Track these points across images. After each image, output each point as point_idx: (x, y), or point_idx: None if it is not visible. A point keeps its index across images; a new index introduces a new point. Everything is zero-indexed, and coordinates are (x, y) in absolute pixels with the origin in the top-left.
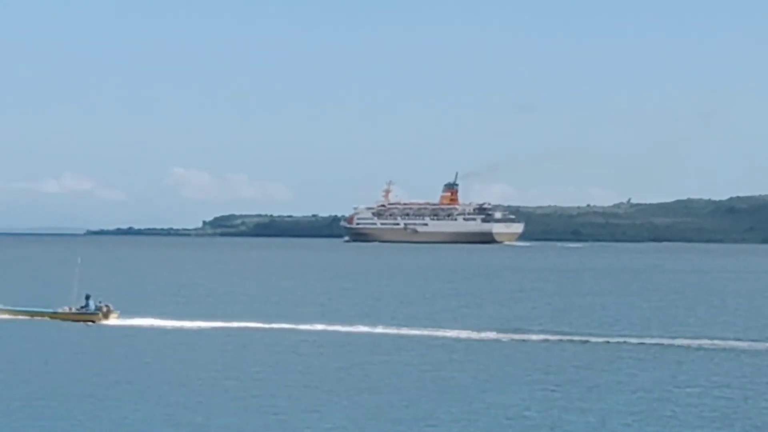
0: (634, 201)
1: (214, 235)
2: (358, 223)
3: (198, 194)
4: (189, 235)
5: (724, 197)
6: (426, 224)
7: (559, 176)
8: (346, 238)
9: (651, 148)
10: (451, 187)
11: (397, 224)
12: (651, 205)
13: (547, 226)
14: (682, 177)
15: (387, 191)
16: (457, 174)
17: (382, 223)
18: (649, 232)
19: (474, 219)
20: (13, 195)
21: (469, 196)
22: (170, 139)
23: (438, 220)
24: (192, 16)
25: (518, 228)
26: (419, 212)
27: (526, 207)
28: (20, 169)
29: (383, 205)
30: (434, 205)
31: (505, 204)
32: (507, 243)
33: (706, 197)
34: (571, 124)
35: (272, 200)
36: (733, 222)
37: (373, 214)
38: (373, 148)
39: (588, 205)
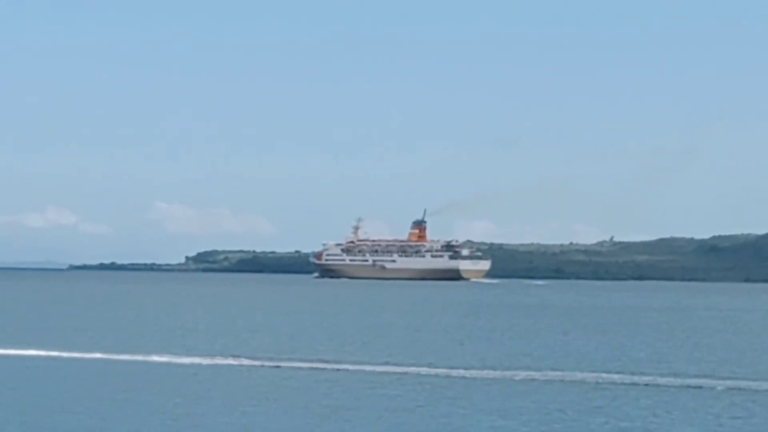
0: (616, 239)
1: (197, 270)
2: (327, 260)
3: (181, 228)
4: (172, 270)
5: (707, 236)
6: (394, 261)
7: (542, 212)
8: (316, 274)
9: (634, 184)
10: (420, 224)
11: (366, 261)
12: (634, 243)
13: (530, 264)
14: (665, 214)
15: (356, 228)
16: (425, 211)
17: (350, 260)
18: (632, 270)
19: (441, 256)
20: None
21: (451, 231)
22: (153, 173)
23: (406, 256)
24: (177, 53)
25: (485, 265)
26: (387, 249)
27: (509, 244)
28: (3, 203)
29: (352, 242)
30: (402, 241)
31: (488, 241)
32: (474, 280)
33: (688, 235)
34: (554, 159)
35: (255, 235)
36: (716, 260)
37: (342, 250)
38: (354, 183)
39: (571, 243)
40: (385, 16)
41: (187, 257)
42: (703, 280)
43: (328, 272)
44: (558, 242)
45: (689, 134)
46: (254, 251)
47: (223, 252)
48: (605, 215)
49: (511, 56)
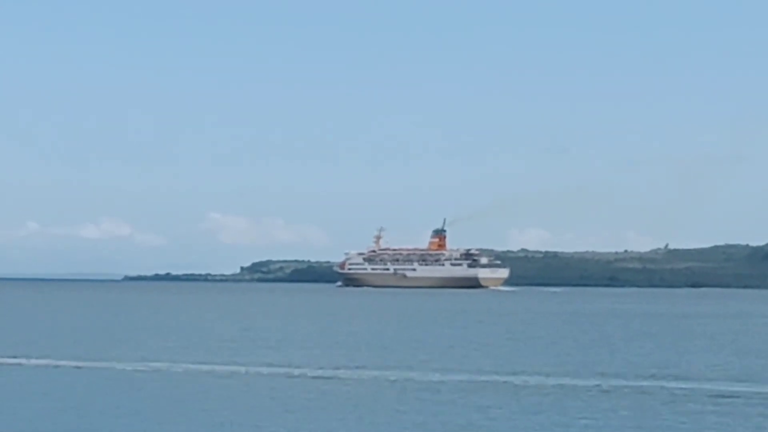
0: (671, 246)
1: (251, 280)
2: (350, 269)
3: (235, 239)
4: (226, 280)
5: (762, 242)
6: (414, 269)
7: (594, 220)
8: (339, 283)
9: (686, 191)
10: (439, 233)
11: (387, 269)
12: (688, 250)
13: (584, 272)
14: (719, 221)
15: (378, 237)
16: (445, 220)
17: (372, 269)
18: (687, 277)
19: (460, 264)
20: (52, 240)
21: (505, 240)
22: (207, 184)
23: (426, 265)
24: (231, 65)
25: (504, 273)
26: (408, 258)
27: (564, 252)
28: (59, 215)
29: (374, 251)
30: (422, 250)
31: (542, 249)
32: (492, 288)
33: (743, 242)
34: (602, 167)
35: (309, 245)
36: None
37: (364, 259)
38: (402, 193)
39: (625, 251)
40: (425, 22)
41: (241, 267)
42: (758, 287)
43: (351, 281)
44: (612, 250)
45: (738, 139)
46: (309, 261)
47: (278, 262)
48: (658, 223)
49: (556, 63)
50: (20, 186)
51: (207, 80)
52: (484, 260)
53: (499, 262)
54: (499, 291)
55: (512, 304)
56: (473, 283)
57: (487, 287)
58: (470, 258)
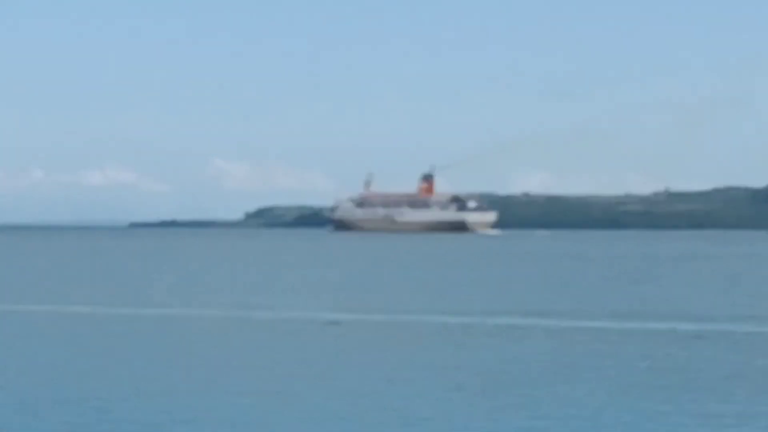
0: (672, 189)
1: (256, 226)
2: (341, 214)
3: (239, 185)
4: (232, 226)
5: (762, 184)
6: (404, 214)
7: (596, 162)
8: (330, 227)
9: (686, 134)
10: (428, 178)
11: (377, 214)
12: (689, 193)
13: (586, 215)
14: (720, 164)
15: (368, 182)
16: (434, 165)
17: (363, 213)
18: (688, 219)
19: (448, 208)
20: (55, 188)
21: (508, 183)
22: (211, 130)
23: (415, 209)
24: (231, 13)
25: (491, 217)
26: (397, 202)
27: (566, 195)
28: (63, 162)
29: (364, 196)
30: (411, 195)
31: (544, 193)
32: (480, 231)
33: (744, 184)
34: (604, 110)
35: (314, 190)
36: None
37: (355, 204)
38: (411, 136)
39: (626, 194)
40: None
41: (246, 213)
42: (759, 228)
43: (342, 226)
44: (614, 193)
45: (739, 82)
46: (313, 206)
47: (282, 208)
48: (659, 166)
49: (559, 6)
50: (24, 134)
51: (207, 34)
52: (472, 204)
53: (486, 206)
54: (486, 234)
55: (495, 246)
56: (461, 227)
57: (475, 231)
58: (458, 202)
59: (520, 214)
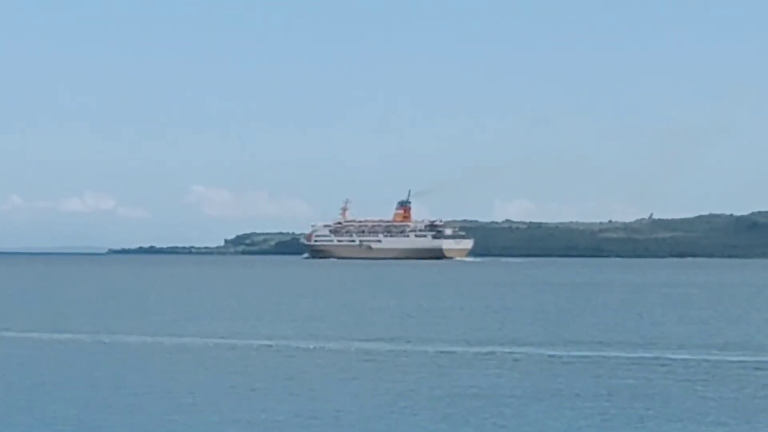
0: (655, 216)
1: (235, 253)
2: (316, 240)
3: (219, 211)
4: (211, 253)
5: (746, 212)
6: (380, 241)
7: (578, 190)
8: (306, 254)
9: (669, 161)
10: (404, 205)
11: (353, 241)
12: (672, 220)
13: (569, 242)
14: (703, 191)
15: (344, 209)
16: (410, 192)
17: (338, 240)
18: (671, 247)
19: (425, 236)
20: (34, 213)
21: (490, 211)
22: (190, 156)
23: (391, 236)
24: (210, 37)
25: (467, 244)
26: (373, 229)
27: (548, 223)
28: (42, 188)
29: (339, 223)
30: (387, 222)
31: (526, 219)
32: (457, 258)
33: (727, 212)
34: (585, 137)
35: (293, 217)
36: (755, 237)
37: (330, 231)
38: (386, 163)
39: (609, 221)
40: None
41: (225, 240)
42: (742, 256)
43: (318, 253)
44: (596, 220)
45: (722, 109)
46: (292, 233)
47: (261, 234)
48: (642, 193)
49: (537, 32)
50: (2, 159)
51: (188, 54)
52: (448, 231)
53: (463, 233)
54: (463, 262)
55: (474, 274)
56: (437, 254)
57: (451, 258)
58: (434, 229)
59: (501, 241)
